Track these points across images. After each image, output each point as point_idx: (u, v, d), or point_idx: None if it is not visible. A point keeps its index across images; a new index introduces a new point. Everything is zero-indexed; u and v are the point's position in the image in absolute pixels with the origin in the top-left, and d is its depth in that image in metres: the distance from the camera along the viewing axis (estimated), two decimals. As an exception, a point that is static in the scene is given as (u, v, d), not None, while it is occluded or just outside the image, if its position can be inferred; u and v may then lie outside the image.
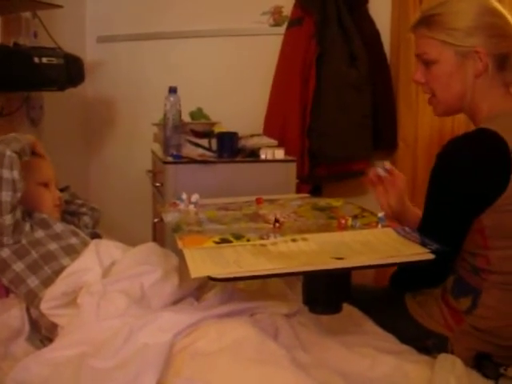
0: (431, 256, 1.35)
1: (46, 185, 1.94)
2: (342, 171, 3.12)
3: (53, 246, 1.77)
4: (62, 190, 2.08)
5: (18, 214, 1.73)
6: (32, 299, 1.69)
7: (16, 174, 1.70)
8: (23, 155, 1.76)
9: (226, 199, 2.01)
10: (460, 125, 2.84)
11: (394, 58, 3.08)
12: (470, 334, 1.58)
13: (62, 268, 1.69)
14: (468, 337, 1.58)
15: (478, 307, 1.58)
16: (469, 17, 1.57)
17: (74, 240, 1.83)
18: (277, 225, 1.61)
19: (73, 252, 1.76)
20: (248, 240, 1.47)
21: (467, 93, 1.61)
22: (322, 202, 1.91)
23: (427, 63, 1.63)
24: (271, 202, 1.94)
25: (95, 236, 1.97)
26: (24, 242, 1.75)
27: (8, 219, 1.70)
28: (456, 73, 1.60)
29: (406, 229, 1.54)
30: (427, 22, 1.60)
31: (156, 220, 2.56)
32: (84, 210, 2.11)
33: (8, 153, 1.69)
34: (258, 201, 1.92)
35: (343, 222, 1.60)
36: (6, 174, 1.69)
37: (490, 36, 1.57)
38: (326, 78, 2.99)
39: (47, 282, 1.67)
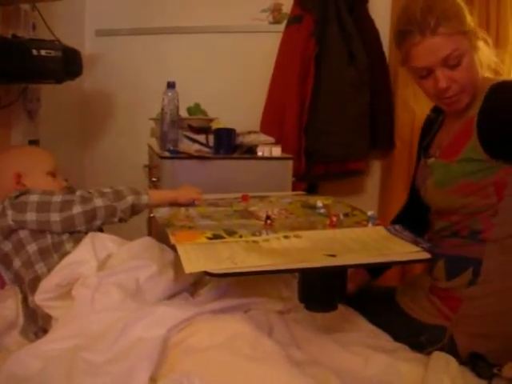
0: (427, 255, 1.36)
1: (53, 174, 1.98)
2: (339, 170, 3.12)
3: (65, 236, 1.80)
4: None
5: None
6: (36, 287, 1.68)
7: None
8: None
9: (215, 195, 2.01)
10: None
11: (392, 58, 3.08)
12: (469, 317, 1.58)
13: (65, 252, 1.71)
14: (467, 320, 1.59)
15: (481, 275, 1.59)
16: (460, 1, 1.60)
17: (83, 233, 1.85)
18: (268, 222, 1.61)
19: (78, 239, 1.77)
20: (240, 236, 1.48)
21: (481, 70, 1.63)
22: (312, 199, 1.92)
23: (455, 62, 1.57)
24: (261, 198, 1.94)
25: (98, 230, 1.98)
26: None
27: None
28: (474, 56, 1.61)
29: (397, 227, 1.54)
30: (444, 18, 1.56)
31: (152, 215, 2.56)
32: None
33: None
34: (244, 198, 1.92)
35: (334, 219, 1.60)
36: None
37: (467, 9, 1.60)
38: (324, 77, 2.98)
39: (52, 270, 1.68)
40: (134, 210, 1.88)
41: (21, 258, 1.78)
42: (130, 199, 1.84)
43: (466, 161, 1.60)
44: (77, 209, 1.76)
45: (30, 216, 1.76)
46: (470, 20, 1.59)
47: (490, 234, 1.60)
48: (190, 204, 1.93)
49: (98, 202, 1.80)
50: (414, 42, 1.58)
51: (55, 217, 1.75)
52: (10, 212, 1.77)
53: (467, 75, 1.60)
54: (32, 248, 1.76)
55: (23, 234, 1.78)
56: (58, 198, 1.78)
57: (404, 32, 1.61)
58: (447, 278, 1.65)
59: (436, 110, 1.83)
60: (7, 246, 1.80)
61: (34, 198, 1.78)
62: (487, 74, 1.66)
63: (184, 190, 1.98)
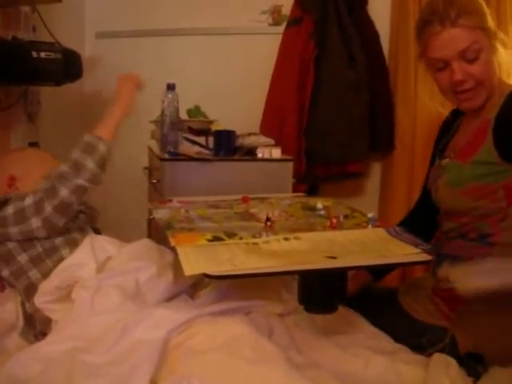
0: (428, 257, 1.36)
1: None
2: (339, 172, 3.11)
3: (58, 240, 1.78)
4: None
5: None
6: (31, 293, 1.68)
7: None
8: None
9: (215, 197, 2.01)
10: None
11: (392, 60, 3.08)
12: (471, 318, 1.58)
13: (61, 259, 1.71)
14: (469, 321, 1.58)
15: None
16: (482, 1, 1.62)
17: (76, 235, 1.83)
18: (268, 223, 1.61)
19: (73, 244, 1.76)
20: (240, 238, 1.48)
21: (497, 70, 1.64)
22: (312, 201, 1.92)
23: (473, 56, 1.60)
24: (261, 200, 1.94)
25: (96, 233, 1.97)
26: None
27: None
28: (492, 56, 1.62)
29: (397, 229, 1.54)
30: (465, 11, 1.59)
31: (151, 217, 2.56)
32: (82, 208, 2.10)
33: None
34: (244, 199, 1.92)
35: (335, 221, 1.60)
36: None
37: (490, 13, 1.62)
38: (324, 79, 2.98)
39: (47, 275, 1.67)
40: (101, 165, 1.82)
41: (10, 268, 1.76)
42: (90, 165, 1.78)
43: (479, 163, 1.61)
44: (48, 208, 1.72)
45: (12, 229, 1.73)
46: (491, 20, 1.61)
47: (498, 238, 1.60)
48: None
49: (63, 191, 1.73)
50: (433, 32, 1.62)
51: (36, 222, 1.72)
52: None
53: (484, 71, 1.61)
54: (23, 258, 1.75)
55: (11, 245, 1.76)
56: (29, 201, 1.74)
57: (425, 21, 1.64)
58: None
59: (455, 114, 1.84)
60: None
61: (9, 210, 1.74)
62: (505, 79, 1.67)
63: (123, 91, 2.02)
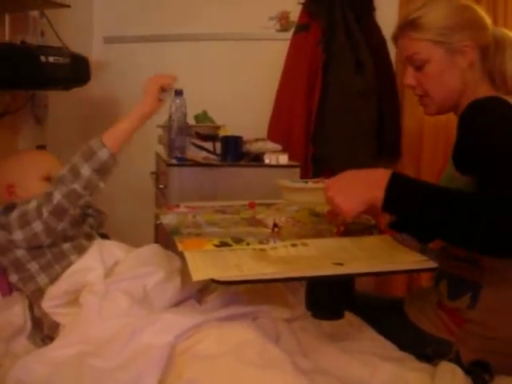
0: (434, 264, 1.36)
1: (48, 178, 1.89)
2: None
3: (65, 246, 1.78)
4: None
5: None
6: (38, 297, 1.69)
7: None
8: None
9: (222, 202, 2.01)
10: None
11: (400, 66, 3.08)
12: (473, 334, 1.57)
13: (70, 264, 1.70)
14: (471, 338, 1.58)
15: (479, 301, 1.57)
16: (450, 15, 1.60)
17: (83, 240, 1.83)
18: (275, 229, 1.61)
19: (81, 250, 1.76)
20: (248, 244, 1.48)
21: (460, 88, 1.62)
22: (319, 207, 1.92)
23: (418, 64, 1.62)
24: (268, 206, 1.94)
25: (103, 237, 1.97)
26: None
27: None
28: (448, 69, 1.61)
29: (404, 236, 1.54)
30: (413, 24, 1.61)
31: (158, 222, 2.56)
32: (89, 211, 2.10)
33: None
34: (251, 205, 1.92)
35: (342, 228, 1.60)
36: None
37: (472, 29, 1.60)
38: (331, 85, 2.98)
39: (55, 280, 1.68)
40: (100, 172, 1.72)
41: (19, 274, 1.76)
42: (86, 172, 1.68)
43: (447, 177, 1.61)
44: (45, 212, 1.68)
45: (17, 235, 1.71)
46: (464, 37, 1.58)
47: (486, 262, 1.57)
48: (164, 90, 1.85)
49: (57, 196, 1.68)
50: (395, 35, 1.69)
51: (38, 226, 1.69)
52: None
53: (430, 82, 1.63)
54: (33, 266, 1.75)
55: (20, 253, 1.75)
56: (32, 205, 1.71)
57: None
58: (449, 298, 1.64)
59: None
60: (4, 262, 1.79)
61: (14, 214, 1.72)
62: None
63: (146, 94, 1.89)
